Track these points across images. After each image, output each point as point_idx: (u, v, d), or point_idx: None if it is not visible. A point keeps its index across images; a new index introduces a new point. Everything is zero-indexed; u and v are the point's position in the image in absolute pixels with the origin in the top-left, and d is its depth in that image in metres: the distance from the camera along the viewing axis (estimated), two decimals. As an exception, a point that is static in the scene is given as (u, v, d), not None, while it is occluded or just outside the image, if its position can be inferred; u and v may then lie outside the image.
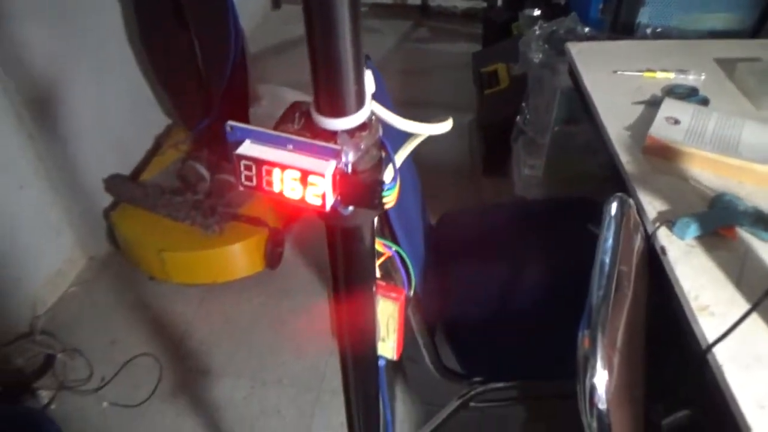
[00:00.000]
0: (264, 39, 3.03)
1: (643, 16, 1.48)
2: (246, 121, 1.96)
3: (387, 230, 0.91)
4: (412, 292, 0.68)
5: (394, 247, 0.61)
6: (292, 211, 1.95)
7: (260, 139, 0.45)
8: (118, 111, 1.94)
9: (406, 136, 0.54)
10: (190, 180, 1.86)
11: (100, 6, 1.81)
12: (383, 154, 0.47)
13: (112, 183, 1.88)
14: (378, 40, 3.06)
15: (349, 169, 0.43)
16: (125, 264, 1.87)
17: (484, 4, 3.10)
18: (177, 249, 1.72)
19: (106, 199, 1.91)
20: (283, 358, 1.61)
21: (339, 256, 0.52)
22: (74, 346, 1.64)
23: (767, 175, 0.91)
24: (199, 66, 1.86)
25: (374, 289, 0.58)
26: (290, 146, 0.44)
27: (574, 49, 1.26)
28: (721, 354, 0.69)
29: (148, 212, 1.80)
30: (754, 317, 0.72)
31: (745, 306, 0.74)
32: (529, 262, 1.23)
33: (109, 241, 1.93)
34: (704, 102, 1.09)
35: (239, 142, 0.45)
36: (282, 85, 2.41)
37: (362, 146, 0.44)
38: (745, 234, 0.84)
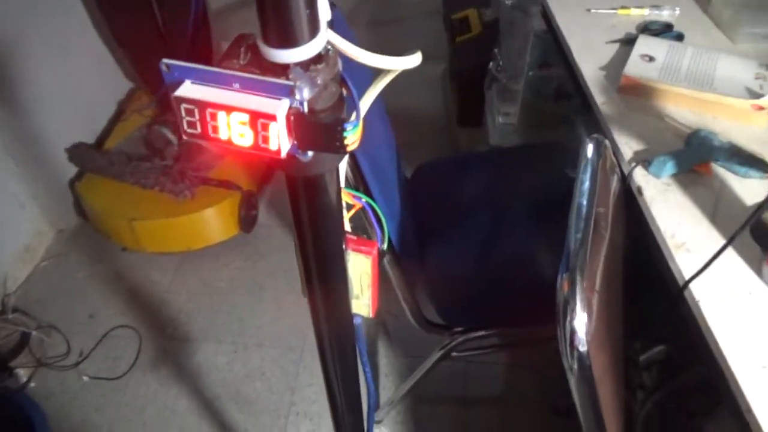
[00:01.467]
0: (226, -5, 2.90)
1: (615, -48, 1.43)
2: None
3: (361, 185, 0.88)
4: (385, 246, 0.66)
5: (365, 198, 0.57)
6: (264, 172, 1.91)
7: (202, 78, 0.39)
8: (79, 76, 1.85)
9: (372, 78, 0.50)
10: (157, 145, 1.80)
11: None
12: (344, 91, 0.42)
13: (76, 152, 1.81)
14: (345, -8, 2.96)
15: (305, 109, 0.38)
16: (96, 235, 1.82)
17: (453, -51, 3.00)
18: (148, 217, 1.68)
19: (71, 170, 1.84)
20: (264, 320, 1.60)
21: (302, 210, 0.48)
22: (49, 322, 1.60)
23: (742, 109, 0.89)
24: (160, 25, 1.77)
25: (344, 243, 0.56)
26: (236, 84, 0.38)
27: (546, -12, 1.22)
28: (698, 290, 0.69)
29: (115, 181, 1.74)
30: (730, 252, 0.72)
31: (721, 241, 0.73)
32: (506, 210, 1.22)
33: (77, 213, 1.87)
34: (679, 37, 1.06)
35: (178, 83, 0.39)
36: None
37: (319, 81, 0.39)
38: (720, 169, 0.83)
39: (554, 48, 1.20)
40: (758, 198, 0.78)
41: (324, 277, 0.55)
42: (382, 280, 0.63)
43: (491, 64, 1.73)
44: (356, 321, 0.65)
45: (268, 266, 1.74)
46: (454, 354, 1.15)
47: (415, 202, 1.26)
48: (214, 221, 1.72)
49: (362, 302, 0.62)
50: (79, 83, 1.85)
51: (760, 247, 0.72)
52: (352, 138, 0.39)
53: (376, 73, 0.48)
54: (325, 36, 0.40)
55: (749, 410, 0.59)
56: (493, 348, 1.41)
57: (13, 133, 1.62)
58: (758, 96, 0.89)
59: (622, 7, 1.14)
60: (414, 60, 0.45)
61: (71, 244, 1.83)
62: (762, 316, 0.66)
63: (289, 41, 0.38)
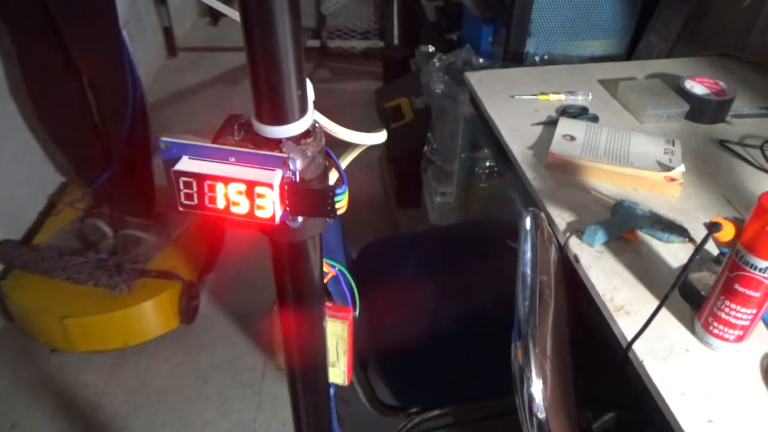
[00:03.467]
0: (162, 88, 2.94)
1: (530, 46, 1.59)
2: (149, 173, 1.88)
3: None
4: (357, 313, 0.67)
5: (338, 266, 0.59)
6: (205, 261, 1.87)
7: (199, 153, 0.43)
8: (4, 172, 1.79)
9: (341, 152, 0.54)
10: (92, 238, 1.74)
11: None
12: (327, 163, 0.46)
13: (1, 249, 1.72)
14: (280, 84, 3.07)
15: (297, 178, 0.42)
16: (21, 338, 1.70)
17: (382, 44, 3.21)
18: (81, 314, 1.59)
19: (-5, 268, 1.74)
20: (208, 416, 1.51)
21: (286, 276, 0.50)
22: (-35, 436, 1.45)
23: (656, 180, 0.98)
24: (95, 116, 1.77)
25: (324, 308, 0.57)
26: (232, 158, 0.42)
27: (473, 77, 1.32)
28: (640, 350, 0.72)
29: (45, 278, 1.65)
30: (664, 312, 0.77)
31: (655, 302, 0.78)
32: (452, 285, 1.25)
33: (1, 314, 1.75)
34: (594, 119, 1.17)
35: (176, 159, 0.42)
36: (184, 133, 2.34)
37: (309, 153, 0.43)
38: (645, 236, 0.90)
39: (484, 130, 1.29)
40: (682, 260, 0.85)
41: (304, 344, 0.56)
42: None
43: (426, 147, 1.82)
44: (330, 391, 0.64)
45: (211, 358, 1.67)
46: (411, 436, 1.13)
47: (363, 282, 1.27)
48: (153, 314, 1.66)
49: (338, 370, 0.62)
50: (7, 177, 1.79)
51: (690, 305, 0.78)
52: (341, 203, 0.43)
53: (344, 148, 0.53)
54: (312, 114, 0.44)
55: (701, 463, 0.61)
56: (451, 426, 1.39)
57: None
58: (669, 168, 0.99)
59: (542, 93, 1.26)
60: (381, 136, 0.51)
61: (-7, 348, 1.69)
62: (701, 371, 0.70)
63: (282, 119, 0.42)
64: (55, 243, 1.76)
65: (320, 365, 0.59)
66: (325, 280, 0.59)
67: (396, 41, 3.05)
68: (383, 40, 3.20)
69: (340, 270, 0.58)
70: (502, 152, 1.16)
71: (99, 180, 1.79)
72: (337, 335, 0.60)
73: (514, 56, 1.59)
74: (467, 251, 1.35)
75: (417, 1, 2.62)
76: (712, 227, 0.67)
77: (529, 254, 0.76)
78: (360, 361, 1.02)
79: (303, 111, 0.43)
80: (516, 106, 1.23)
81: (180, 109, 2.79)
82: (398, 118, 2.16)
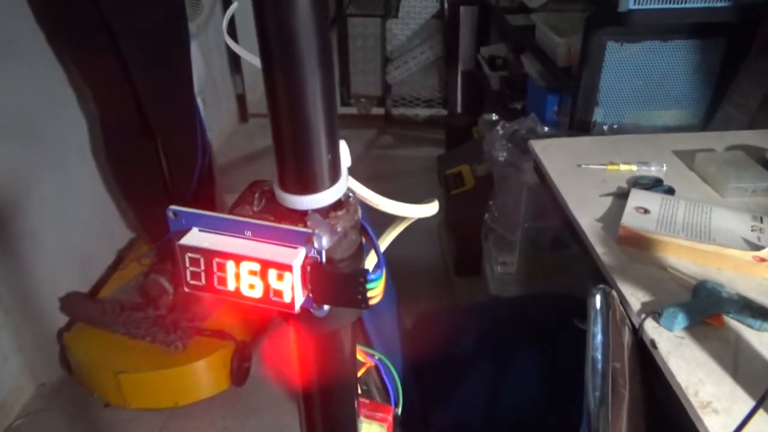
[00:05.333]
0: (231, 151, 3.07)
1: (598, 115, 1.55)
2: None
3: (361, 338, 0.85)
4: (399, 410, 0.59)
5: (378, 355, 0.52)
6: (260, 321, 1.86)
7: (211, 225, 0.37)
8: (79, 226, 1.88)
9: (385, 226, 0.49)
10: (152, 294, 1.77)
11: (63, 119, 1.81)
12: (364, 240, 0.39)
13: (68, 302, 1.78)
14: (344, 149, 3.14)
15: (323, 258, 0.35)
16: (78, 390, 1.72)
17: (445, 112, 3.25)
18: (135, 370, 1.60)
19: (62, 320, 1.79)
20: (252, 487, 1.46)
21: (313, 370, 0.42)
22: (15, 489, 1.45)
23: (743, 260, 0.89)
24: (165, 178, 1.84)
25: (357, 408, 0.50)
26: (248, 232, 0.36)
27: (538, 146, 1.29)
28: (734, 456, 0.63)
29: (105, 331, 1.68)
30: (762, 413, 0.67)
31: (747, 399, 0.69)
32: (515, 363, 1.17)
33: (61, 365, 1.79)
34: (670, 191, 1.10)
35: (185, 231, 0.37)
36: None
37: (339, 229, 0.36)
38: (732, 322, 0.80)
39: (548, 200, 1.24)
40: (778, 352, 0.75)
41: None
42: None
43: (487, 215, 1.77)
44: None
45: (259, 424, 1.62)
46: None
47: (417, 353, 1.21)
48: (205, 374, 1.64)
49: None
50: (80, 233, 1.88)
51: (790, 406, 0.68)
52: (376, 291, 0.36)
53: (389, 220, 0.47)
54: (346, 182, 0.38)
55: None
56: None
57: (6, 283, 1.60)
58: (758, 248, 0.90)
59: (611, 163, 1.20)
60: (432, 208, 0.43)
61: (51, 399, 1.72)
62: (808, 488, 0.60)
63: (308, 187, 0.36)
64: (118, 297, 1.81)
65: None
66: (360, 373, 0.52)
67: (459, 110, 3.08)
68: (446, 108, 3.24)
69: (380, 360, 0.51)
70: (568, 223, 1.10)
71: (164, 238, 1.85)
72: None
73: (580, 125, 1.55)
74: (529, 326, 1.27)
75: (481, 71, 2.66)
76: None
77: (600, 337, 0.69)
78: (411, 442, 0.95)
79: (334, 178, 0.36)
80: (583, 175, 1.18)
81: (247, 171, 2.88)
82: (459, 185, 2.14)
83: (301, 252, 0.35)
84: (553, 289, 1.51)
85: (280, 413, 1.65)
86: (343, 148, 0.37)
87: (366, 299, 0.36)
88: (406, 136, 3.31)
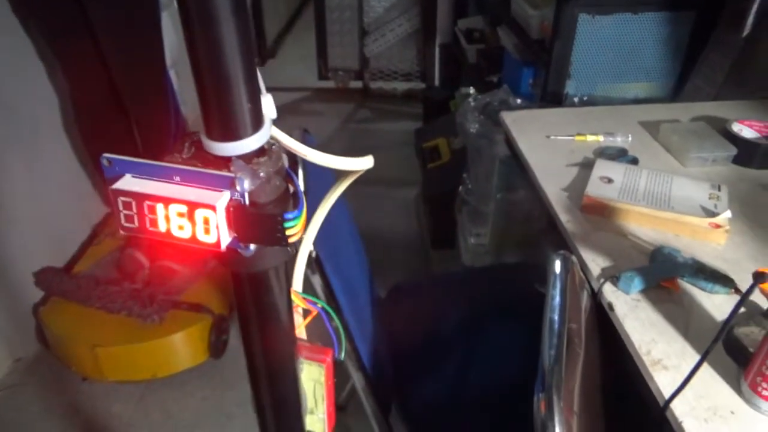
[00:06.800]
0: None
1: (570, 88, 1.57)
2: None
3: (332, 304, 0.87)
4: (342, 356, 0.63)
5: (320, 303, 0.55)
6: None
7: (143, 172, 0.39)
8: (52, 201, 1.86)
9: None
10: (129, 268, 1.77)
11: (34, 94, 1.77)
12: (290, 187, 0.42)
13: (43, 276, 1.77)
14: (322, 122, 3.13)
15: (246, 201, 0.38)
16: (55, 364, 1.73)
17: (423, 85, 3.24)
18: (112, 343, 1.61)
19: (37, 294, 1.78)
20: (231, 455, 1.49)
21: (249, 309, 0.46)
22: (-7, 461, 1.47)
23: (700, 227, 0.93)
24: (139, 152, 1.83)
25: (295, 348, 0.52)
26: (177, 177, 0.38)
27: (509, 117, 1.30)
28: (679, 409, 0.66)
29: (81, 306, 1.68)
30: (707, 368, 0.71)
31: (696, 357, 0.72)
32: (483, 331, 1.20)
33: (38, 340, 1.79)
34: (634, 161, 1.13)
35: (118, 177, 0.39)
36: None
37: (261, 174, 0.38)
38: (686, 285, 0.84)
39: (519, 172, 1.26)
40: (727, 313, 0.78)
41: (274, 386, 0.51)
42: (356, 411, 0.59)
43: (461, 188, 1.80)
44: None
45: (237, 395, 1.65)
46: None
47: (390, 323, 1.24)
48: (183, 346, 1.66)
49: (317, 417, 0.58)
50: (54, 208, 1.86)
51: (735, 362, 0.72)
52: (294, 229, 0.38)
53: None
54: (269, 131, 0.40)
55: None
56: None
57: (-20, 258, 1.59)
58: (714, 214, 0.93)
59: (579, 134, 1.22)
60: (366, 162, 0.46)
61: (28, 374, 1.72)
62: (747, 436, 0.64)
63: (231, 135, 0.38)
64: (93, 272, 1.80)
65: (293, 412, 0.54)
66: (306, 321, 0.55)
67: (437, 83, 3.07)
68: (424, 81, 3.23)
69: (322, 308, 0.54)
70: (536, 193, 1.13)
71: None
72: (314, 379, 0.55)
73: (552, 97, 1.57)
74: (498, 295, 1.30)
75: (458, 44, 2.65)
76: (760, 277, 0.61)
77: (558, 299, 0.72)
78: (381, 407, 0.98)
79: (256, 127, 0.39)
80: (551, 146, 1.20)
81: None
82: (435, 158, 2.16)
83: (225, 194, 0.37)
84: (525, 260, 1.54)
85: (258, 383, 1.67)
86: (268, 100, 0.39)
87: (285, 237, 0.39)
88: (383, 109, 3.30)
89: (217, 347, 1.70)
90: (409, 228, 2.29)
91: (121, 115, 1.74)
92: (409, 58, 3.25)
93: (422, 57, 3.19)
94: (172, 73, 1.83)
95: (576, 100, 1.54)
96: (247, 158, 0.39)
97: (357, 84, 3.38)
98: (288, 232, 0.38)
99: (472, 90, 2.40)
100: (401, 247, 2.18)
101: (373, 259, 1.23)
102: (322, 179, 0.69)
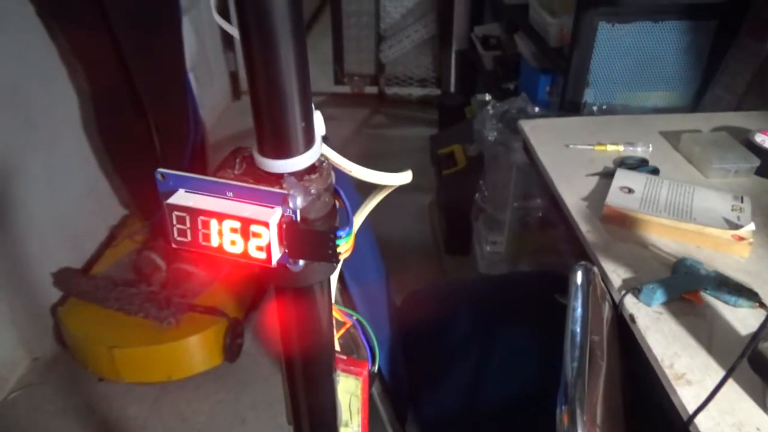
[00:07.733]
0: (224, 128, 3.06)
1: (589, 96, 1.56)
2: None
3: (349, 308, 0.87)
4: (376, 368, 0.63)
5: (355, 315, 0.56)
6: (252, 299, 1.88)
7: (196, 187, 0.40)
8: (71, 202, 1.88)
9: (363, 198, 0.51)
10: (145, 270, 1.79)
11: (54, 94, 1.80)
12: (337, 203, 0.42)
13: (61, 277, 1.79)
14: (337, 128, 3.13)
15: (298, 217, 0.39)
16: (73, 364, 1.74)
17: (438, 91, 3.24)
18: (129, 345, 1.62)
19: (55, 295, 1.80)
20: (244, 459, 1.49)
21: (292, 324, 0.46)
22: (10, 459, 1.48)
23: (723, 239, 0.92)
24: (157, 155, 1.84)
25: (333, 362, 0.53)
26: (230, 193, 0.39)
27: (527, 125, 1.30)
28: (703, 424, 0.66)
29: (98, 307, 1.70)
30: (731, 384, 0.70)
31: (720, 371, 0.71)
32: (498, 339, 1.20)
33: (56, 340, 1.81)
34: (655, 171, 1.12)
35: (172, 192, 0.40)
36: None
37: (312, 191, 0.39)
38: (709, 298, 0.83)
39: (537, 180, 1.26)
40: (752, 327, 0.77)
41: (312, 399, 0.52)
42: (371, 418, 0.60)
43: (477, 195, 1.79)
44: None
45: (251, 398, 1.65)
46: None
47: (406, 329, 1.24)
48: (198, 349, 1.67)
49: (351, 429, 0.58)
50: (72, 209, 1.88)
51: (760, 378, 0.71)
52: (345, 246, 0.39)
53: (369, 192, 0.49)
54: (319, 148, 0.41)
55: None
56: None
57: None
58: (737, 227, 0.92)
59: (598, 144, 1.22)
60: (405, 177, 0.46)
61: (46, 373, 1.74)
62: (773, 454, 0.63)
63: (284, 152, 0.39)
64: (111, 273, 1.82)
65: (329, 424, 0.54)
66: (339, 333, 0.56)
67: (452, 89, 3.07)
68: (440, 88, 3.23)
69: (357, 320, 0.55)
70: (554, 202, 1.12)
71: (157, 214, 1.86)
72: (350, 392, 0.55)
73: (570, 106, 1.56)
74: (515, 304, 1.30)
75: (474, 51, 2.65)
76: (786, 293, 0.60)
77: (579, 311, 0.71)
78: (397, 415, 0.98)
79: (308, 145, 0.40)
80: (570, 155, 1.20)
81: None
82: (451, 165, 2.15)
83: (278, 211, 0.38)
84: (541, 269, 1.54)
85: (272, 387, 1.68)
86: (318, 117, 0.40)
87: (336, 254, 0.39)
88: (399, 115, 3.31)
89: (231, 350, 1.71)
90: (423, 234, 2.29)
91: (140, 117, 1.76)
92: (424, 65, 3.26)
93: (438, 63, 3.19)
94: (191, 76, 1.84)
95: (595, 108, 1.53)
96: (299, 175, 0.40)
97: (372, 89, 3.39)
98: (339, 249, 0.39)
99: (488, 97, 2.40)
100: (415, 254, 2.17)
101: (388, 265, 1.23)
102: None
